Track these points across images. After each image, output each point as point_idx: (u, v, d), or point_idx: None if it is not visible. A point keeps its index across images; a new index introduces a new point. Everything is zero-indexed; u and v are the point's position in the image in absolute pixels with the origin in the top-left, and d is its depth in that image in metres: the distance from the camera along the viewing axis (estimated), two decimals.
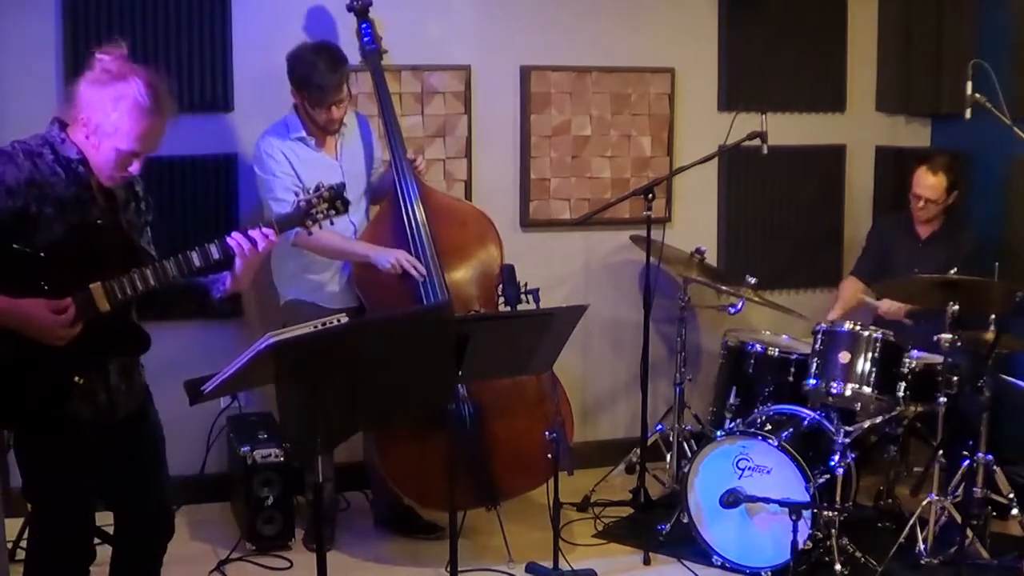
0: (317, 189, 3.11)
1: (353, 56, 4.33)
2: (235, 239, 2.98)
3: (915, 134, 5.70)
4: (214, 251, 2.97)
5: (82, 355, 2.89)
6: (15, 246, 2.80)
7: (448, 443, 3.80)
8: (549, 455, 3.91)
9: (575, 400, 4.90)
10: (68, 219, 2.85)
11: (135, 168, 2.90)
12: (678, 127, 5.31)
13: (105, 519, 3.22)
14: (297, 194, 3.14)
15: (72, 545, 3.04)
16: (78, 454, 2.96)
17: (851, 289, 5.11)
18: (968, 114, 4.37)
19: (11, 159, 2.81)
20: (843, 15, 5.51)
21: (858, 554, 4.11)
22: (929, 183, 4.80)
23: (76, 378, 2.89)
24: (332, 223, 3.20)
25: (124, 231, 3.00)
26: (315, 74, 4.08)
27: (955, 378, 4.21)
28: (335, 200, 3.11)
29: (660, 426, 5.08)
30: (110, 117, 2.82)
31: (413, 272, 4.16)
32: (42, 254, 2.82)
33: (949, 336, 4.12)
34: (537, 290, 4.09)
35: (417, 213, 4.26)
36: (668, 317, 5.14)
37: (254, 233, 2.99)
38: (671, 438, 4.91)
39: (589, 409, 5.36)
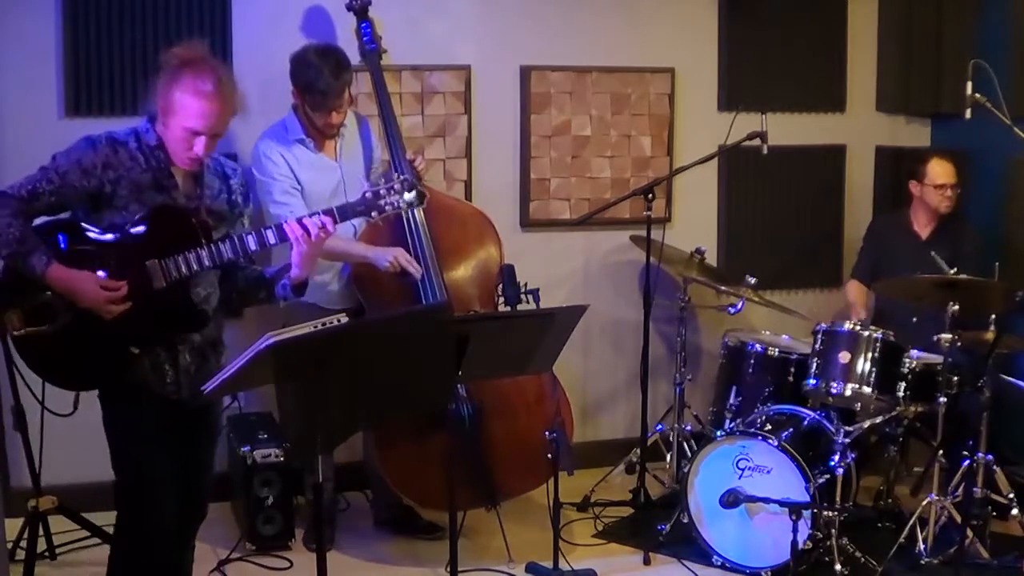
0: (388, 181, 3.12)
1: (352, 56, 4.33)
2: (290, 226, 3.07)
3: (915, 134, 5.70)
4: (270, 236, 3.08)
5: (138, 328, 3.03)
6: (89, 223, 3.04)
7: (448, 443, 3.80)
8: (549, 455, 3.91)
9: (575, 400, 4.90)
10: (145, 201, 3.04)
11: (199, 147, 3.03)
12: (678, 127, 5.31)
13: (107, 519, 3.23)
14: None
15: (150, 510, 3.13)
16: (150, 422, 3.10)
17: (856, 291, 5.11)
18: (968, 114, 4.37)
19: (92, 145, 3.04)
20: (843, 15, 5.52)
21: (858, 554, 4.11)
22: (948, 170, 4.88)
23: (133, 348, 3.05)
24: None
25: (202, 216, 3.12)
26: (319, 79, 4.07)
27: (955, 378, 4.22)
28: (405, 191, 3.09)
29: (660, 426, 5.08)
30: (174, 96, 3.01)
31: (410, 269, 4.16)
32: (113, 233, 3.03)
33: (949, 336, 4.13)
34: (537, 290, 4.09)
35: (415, 212, 4.26)
36: (668, 317, 5.14)
37: (308, 221, 3.05)
38: (671, 438, 4.91)
39: (589, 409, 5.36)
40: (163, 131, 3.06)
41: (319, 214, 3.06)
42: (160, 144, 3.07)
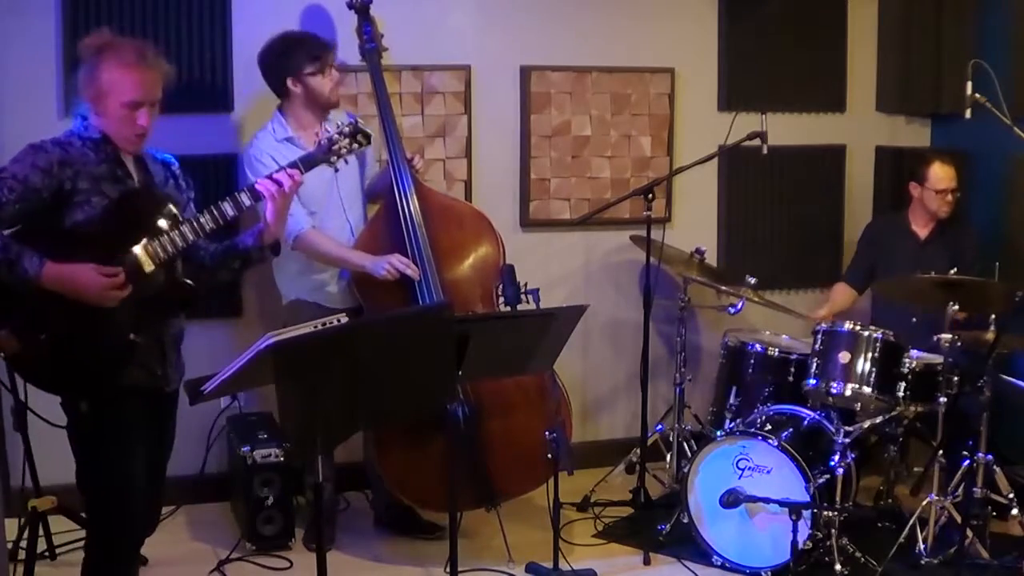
0: (340, 128, 3.30)
1: (353, 55, 4.33)
2: (262, 184, 3.16)
3: (915, 134, 5.70)
4: (244, 199, 3.15)
5: (133, 315, 3.01)
6: (58, 223, 2.96)
7: (447, 444, 3.80)
8: (549, 455, 3.91)
9: (575, 400, 4.90)
10: (106, 192, 3.01)
11: (143, 119, 3.04)
12: (678, 127, 5.31)
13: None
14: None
15: (131, 523, 3.11)
16: (134, 425, 3.07)
17: (842, 294, 5.13)
18: (968, 114, 4.37)
19: (40, 148, 2.99)
20: (843, 15, 5.51)
21: (858, 554, 4.11)
22: (950, 174, 4.89)
23: (132, 335, 3.02)
24: (353, 158, 3.41)
25: (162, 195, 3.15)
26: (305, 44, 4.17)
27: (955, 378, 4.21)
28: (356, 134, 3.31)
29: (660, 426, 5.08)
30: (103, 78, 3.02)
31: (408, 272, 4.16)
32: (85, 229, 2.97)
33: (949, 336, 4.13)
34: (537, 290, 4.09)
35: (412, 207, 4.25)
36: (668, 317, 5.14)
37: (279, 175, 3.17)
38: (671, 438, 4.91)
39: (589, 409, 5.36)
40: (102, 120, 3.05)
41: (285, 168, 3.20)
42: (104, 136, 3.05)
